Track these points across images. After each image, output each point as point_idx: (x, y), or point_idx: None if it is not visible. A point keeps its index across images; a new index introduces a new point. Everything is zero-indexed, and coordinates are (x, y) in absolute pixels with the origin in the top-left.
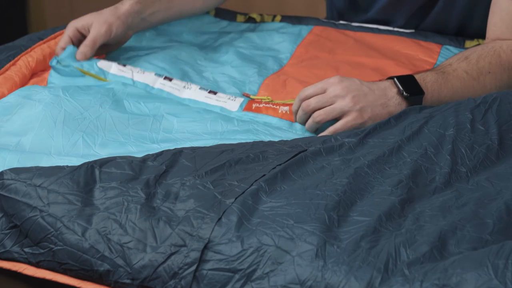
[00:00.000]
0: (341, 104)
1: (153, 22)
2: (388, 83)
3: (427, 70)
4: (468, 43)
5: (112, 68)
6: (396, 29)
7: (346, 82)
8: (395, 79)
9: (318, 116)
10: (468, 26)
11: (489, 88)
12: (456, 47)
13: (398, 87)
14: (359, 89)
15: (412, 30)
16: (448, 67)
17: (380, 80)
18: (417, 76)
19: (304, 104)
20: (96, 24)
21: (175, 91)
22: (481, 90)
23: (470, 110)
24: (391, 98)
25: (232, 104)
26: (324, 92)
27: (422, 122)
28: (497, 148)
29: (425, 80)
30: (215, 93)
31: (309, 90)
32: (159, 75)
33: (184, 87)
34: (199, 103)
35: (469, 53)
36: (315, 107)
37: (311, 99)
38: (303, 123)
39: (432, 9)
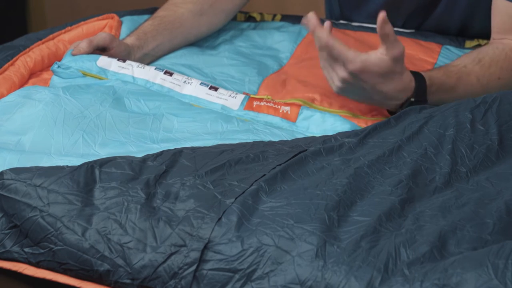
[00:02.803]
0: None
1: (158, 56)
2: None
3: (443, 72)
4: (468, 43)
5: (112, 65)
6: (396, 28)
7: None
8: (413, 99)
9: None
10: (470, 27)
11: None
12: (456, 47)
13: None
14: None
15: (412, 30)
16: (462, 70)
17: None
18: (428, 83)
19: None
20: (103, 32)
21: (176, 87)
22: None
23: (470, 110)
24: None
25: (233, 102)
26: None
27: (422, 122)
28: (497, 148)
29: (431, 87)
30: (216, 89)
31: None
32: (160, 69)
33: (185, 82)
34: (199, 100)
35: (482, 56)
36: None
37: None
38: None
39: (433, 10)
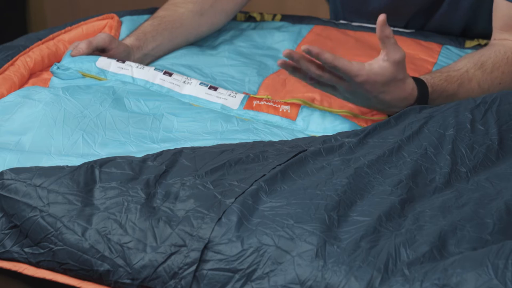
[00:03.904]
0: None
1: (158, 56)
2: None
3: (445, 78)
4: (468, 43)
5: (111, 66)
6: (396, 29)
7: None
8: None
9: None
10: (473, 28)
11: None
12: (456, 47)
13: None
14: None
15: (413, 30)
16: (464, 75)
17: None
18: (430, 90)
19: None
20: (102, 33)
21: (175, 87)
22: None
23: (470, 110)
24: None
25: (232, 101)
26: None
27: (422, 122)
28: (497, 148)
29: (433, 94)
30: (215, 89)
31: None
32: (159, 70)
33: (184, 82)
34: (199, 99)
35: (485, 59)
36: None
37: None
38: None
39: (436, 12)
